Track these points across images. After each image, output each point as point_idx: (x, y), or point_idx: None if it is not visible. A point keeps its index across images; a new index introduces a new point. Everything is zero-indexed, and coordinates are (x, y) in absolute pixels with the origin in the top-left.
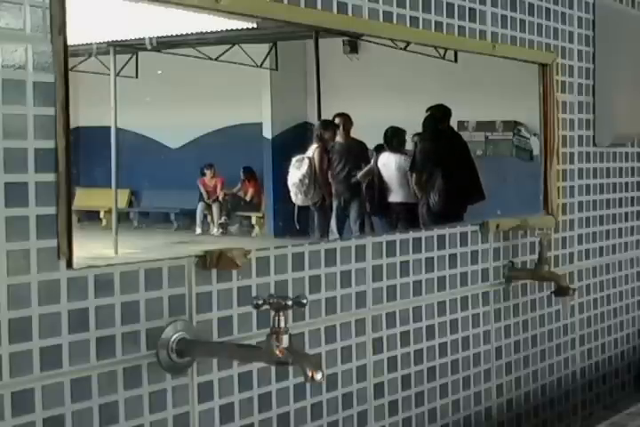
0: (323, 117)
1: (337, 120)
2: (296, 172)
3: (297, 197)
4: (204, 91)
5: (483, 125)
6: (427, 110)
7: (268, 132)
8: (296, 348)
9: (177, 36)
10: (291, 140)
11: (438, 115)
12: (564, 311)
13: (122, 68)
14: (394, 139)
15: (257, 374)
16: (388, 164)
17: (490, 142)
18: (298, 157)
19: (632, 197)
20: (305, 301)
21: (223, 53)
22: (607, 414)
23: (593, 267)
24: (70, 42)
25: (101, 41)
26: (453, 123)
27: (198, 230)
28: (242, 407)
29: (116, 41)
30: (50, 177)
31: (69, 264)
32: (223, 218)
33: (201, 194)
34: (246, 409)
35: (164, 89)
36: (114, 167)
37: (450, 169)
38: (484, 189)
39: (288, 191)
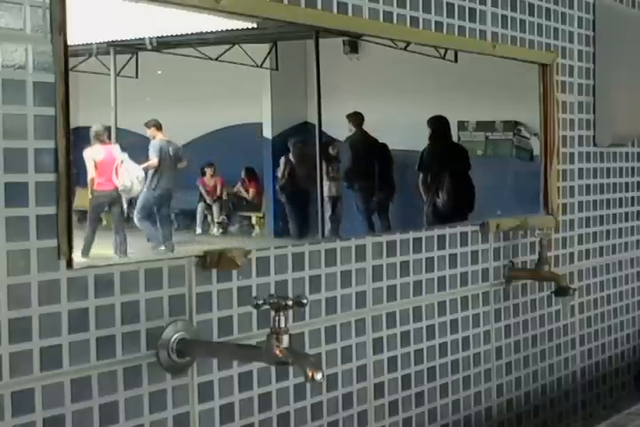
0: (323, 117)
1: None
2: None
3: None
4: (204, 91)
5: (483, 125)
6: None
7: (268, 132)
8: (296, 348)
9: (177, 36)
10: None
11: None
12: (563, 311)
13: (122, 68)
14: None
15: (257, 374)
16: None
17: (490, 142)
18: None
19: (632, 197)
20: (305, 301)
21: (223, 53)
22: (607, 414)
23: (593, 267)
24: (70, 42)
25: (101, 41)
26: (453, 123)
27: (198, 230)
28: (242, 407)
29: (116, 41)
30: (50, 177)
31: (69, 264)
32: (222, 217)
33: (201, 194)
34: (246, 409)
35: (164, 89)
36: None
37: (457, 170)
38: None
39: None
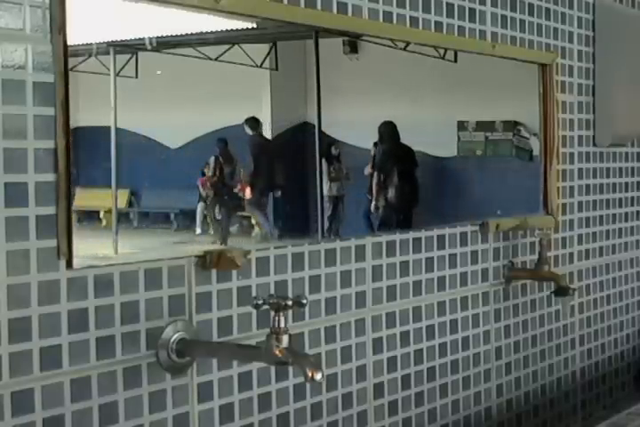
0: (323, 118)
1: None
2: None
3: None
4: (204, 91)
5: (483, 125)
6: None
7: (267, 133)
8: (296, 348)
9: (177, 36)
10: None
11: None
12: (563, 311)
13: (122, 68)
14: None
15: (257, 374)
16: None
17: (490, 142)
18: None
19: (632, 197)
20: (305, 301)
21: (223, 53)
22: (607, 414)
23: (593, 267)
24: (70, 42)
25: (101, 41)
26: (454, 123)
27: (198, 230)
28: (242, 407)
29: (116, 41)
30: (50, 177)
31: (69, 264)
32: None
33: (201, 194)
34: (246, 409)
35: (163, 89)
36: (114, 167)
37: (405, 169)
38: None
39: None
